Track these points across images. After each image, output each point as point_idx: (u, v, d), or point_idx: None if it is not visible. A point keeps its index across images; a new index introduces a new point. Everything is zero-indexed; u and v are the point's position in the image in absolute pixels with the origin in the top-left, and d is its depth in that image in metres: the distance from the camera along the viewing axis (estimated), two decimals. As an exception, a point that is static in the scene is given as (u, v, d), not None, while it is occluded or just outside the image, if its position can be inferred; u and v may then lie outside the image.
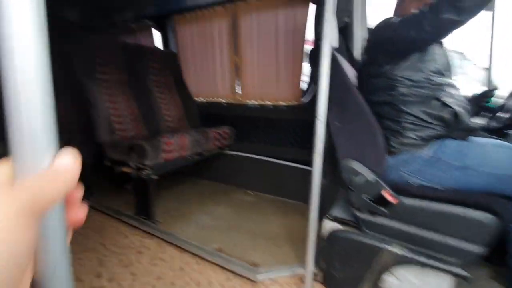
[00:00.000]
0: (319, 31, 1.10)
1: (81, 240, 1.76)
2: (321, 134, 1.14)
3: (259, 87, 2.47)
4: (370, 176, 1.16)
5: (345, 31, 1.77)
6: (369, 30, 1.28)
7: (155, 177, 1.87)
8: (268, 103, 2.45)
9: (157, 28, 2.96)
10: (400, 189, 1.14)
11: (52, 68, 0.20)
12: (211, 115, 2.81)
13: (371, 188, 1.16)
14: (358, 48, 1.76)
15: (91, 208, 2.17)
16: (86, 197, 0.26)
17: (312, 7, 2.07)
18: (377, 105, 1.20)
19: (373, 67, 1.20)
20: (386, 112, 1.19)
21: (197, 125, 2.79)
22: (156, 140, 1.78)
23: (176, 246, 1.68)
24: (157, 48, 2.71)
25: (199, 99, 2.89)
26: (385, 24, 1.17)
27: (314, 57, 1.34)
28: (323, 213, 1.29)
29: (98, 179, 2.39)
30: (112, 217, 2.05)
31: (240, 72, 2.53)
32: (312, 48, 1.59)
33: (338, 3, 1.82)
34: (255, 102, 2.53)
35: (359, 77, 1.33)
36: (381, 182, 1.14)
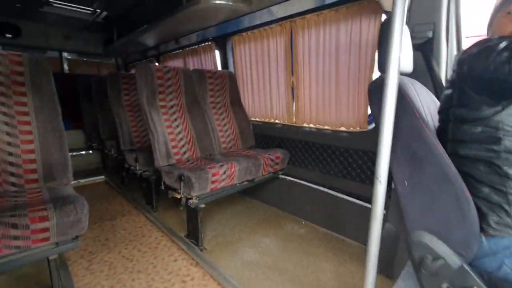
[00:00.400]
0: (383, 50, 0.84)
1: (138, 257, 1.89)
2: (381, 198, 0.88)
3: (317, 110, 2.24)
4: (454, 261, 0.84)
5: (426, 48, 1.41)
6: (457, 57, 0.91)
7: (202, 205, 1.87)
8: (327, 128, 2.19)
9: (218, 48, 3.04)
10: (498, 286, 0.79)
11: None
12: (265, 136, 2.72)
13: (455, 278, 0.83)
14: (443, 70, 1.37)
15: (153, 223, 2.34)
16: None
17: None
18: (468, 162, 0.86)
19: (465, 109, 0.87)
20: (482, 174, 0.84)
21: (251, 146, 2.73)
22: (204, 172, 1.77)
23: (219, 282, 1.63)
24: (216, 70, 2.77)
25: (255, 119, 2.83)
26: (481, 51, 0.82)
27: (375, 88, 1.03)
28: (386, 266, 0.99)
29: (160, 196, 2.57)
30: (167, 235, 2.15)
31: (296, 93, 2.35)
32: (376, 79, 1.20)
33: (417, 13, 1.48)
34: (312, 126, 2.30)
35: (442, 119, 0.98)
36: (472, 273, 0.81)
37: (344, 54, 1.93)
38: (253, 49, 2.63)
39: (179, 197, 1.89)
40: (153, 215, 2.47)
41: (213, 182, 1.83)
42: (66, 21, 4.00)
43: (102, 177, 3.64)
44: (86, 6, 3.45)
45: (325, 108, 2.18)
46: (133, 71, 5.14)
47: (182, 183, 1.79)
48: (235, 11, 2.45)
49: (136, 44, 3.73)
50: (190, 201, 1.81)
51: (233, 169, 1.94)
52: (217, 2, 2.26)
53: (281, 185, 2.51)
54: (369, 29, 1.77)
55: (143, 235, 2.17)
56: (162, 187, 2.05)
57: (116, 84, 2.94)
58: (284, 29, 2.28)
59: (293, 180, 2.44)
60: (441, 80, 1.42)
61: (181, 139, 2.26)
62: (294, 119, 2.45)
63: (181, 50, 3.63)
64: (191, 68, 3.57)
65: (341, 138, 2.08)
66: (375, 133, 0.89)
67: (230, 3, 2.32)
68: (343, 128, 2.09)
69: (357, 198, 1.98)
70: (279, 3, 2.20)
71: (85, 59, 4.98)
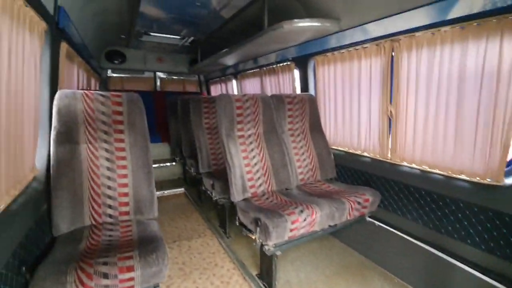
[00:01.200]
0: None
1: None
2: None
3: (423, 148, 1.79)
4: None
5: None
6: None
7: (278, 253, 1.70)
8: (438, 172, 1.72)
9: (298, 68, 2.84)
10: None
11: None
12: (349, 169, 2.38)
13: None
14: None
15: (225, 251, 2.31)
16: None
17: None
18: None
19: None
20: None
21: (332, 179, 2.43)
22: (282, 220, 1.59)
23: None
24: (295, 94, 2.58)
25: (337, 148, 2.52)
26: None
27: None
28: None
29: (233, 223, 2.54)
30: (238, 270, 2.07)
31: (394, 124, 1.95)
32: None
33: None
34: (415, 167, 1.86)
35: None
36: None
37: (472, 83, 1.46)
38: (340, 70, 2.33)
39: (253, 238, 1.77)
40: (226, 241, 2.45)
41: (291, 230, 1.64)
42: (159, 47, 4.51)
43: (182, 189, 3.91)
44: (176, 35, 3.77)
45: (436, 147, 1.72)
46: (213, 88, 5.46)
47: (258, 228, 1.66)
48: (321, 31, 2.22)
49: (217, 63, 3.89)
50: (266, 247, 1.66)
51: (314, 216, 1.71)
52: (301, 25, 2.07)
53: (368, 229, 2.14)
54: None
55: (216, 263, 2.15)
56: (237, 223, 1.98)
57: (198, 108, 3.08)
58: (381, 49, 1.92)
59: (383, 227, 2.04)
60: None
61: (257, 171, 2.15)
62: (389, 155, 2.04)
63: (258, 69, 3.58)
64: (268, 87, 3.49)
65: (459, 189, 1.60)
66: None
67: (315, 24, 2.10)
68: (463, 176, 1.60)
69: (482, 272, 1.48)
70: (376, 20, 1.86)
71: (173, 77, 5.55)
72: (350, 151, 2.40)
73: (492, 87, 1.39)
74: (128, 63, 4.82)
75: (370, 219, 2.10)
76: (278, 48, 2.94)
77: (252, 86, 3.88)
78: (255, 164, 2.16)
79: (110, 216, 1.68)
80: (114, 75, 4.99)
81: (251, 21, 2.95)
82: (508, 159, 1.43)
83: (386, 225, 2.04)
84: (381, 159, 2.10)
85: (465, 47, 1.46)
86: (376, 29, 1.88)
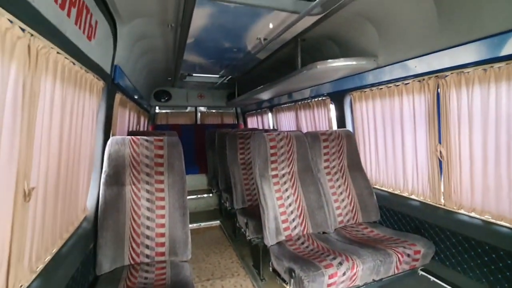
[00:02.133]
0: None
1: None
2: None
3: (485, 195, 1.56)
4: None
5: None
6: None
7: None
8: (505, 224, 1.47)
9: (334, 104, 2.79)
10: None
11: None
12: (395, 212, 2.16)
13: None
14: None
15: None
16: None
17: None
18: None
19: None
20: None
21: (376, 222, 2.22)
22: (319, 274, 1.46)
23: None
24: (331, 130, 2.51)
25: (380, 187, 2.33)
26: None
27: None
28: None
29: (267, 265, 2.43)
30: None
31: (446, 166, 1.75)
32: None
33: None
34: (475, 216, 1.61)
35: None
36: None
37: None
38: (379, 106, 2.23)
39: None
40: (260, 284, 2.33)
41: (329, 285, 1.49)
42: (200, 85, 4.88)
43: (218, 222, 3.92)
44: (216, 74, 4.05)
45: (500, 194, 1.48)
46: (249, 121, 5.63)
47: (292, 280, 1.55)
48: (356, 68, 2.18)
49: (252, 98, 4.03)
50: None
51: (355, 270, 1.54)
52: (335, 64, 2.06)
53: (422, 285, 1.85)
54: None
55: (249, 312, 2.04)
56: (270, 268, 1.88)
57: (234, 143, 3.16)
58: (425, 86, 1.80)
59: (440, 284, 1.76)
60: None
61: (292, 212, 2.07)
62: (442, 200, 1.82)
63: (293, 103, 3.61)
64: (303, 120, 3.47)
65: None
66: None
67: (350, 63, 2.08)
68: (541, 233, 1.33)
69: None
70: (418, 56, 1.76)
71: (212, 110, 5.90)
72: (396, 192, 2.20)
73: None
74: (173, 100, 5.28)
75: (424, 273, 1.83)
76: (312, 85, 2.95)
77: (287, 119, 3.91)
78: (290, 204, 2.09)
79: (147, 256, 1.73)
80: (161, 111, 5.50)
81: (286, 60, 3.05)
82: None
83: (443, 282, 1.75)
84: (433, 204, 1.87)
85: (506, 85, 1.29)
86: (418, 65, 1.78)
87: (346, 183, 2.32)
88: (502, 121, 1.42)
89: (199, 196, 4.43)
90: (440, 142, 1.76)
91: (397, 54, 1.91)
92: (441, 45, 1.61)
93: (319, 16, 1.93)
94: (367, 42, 2.11)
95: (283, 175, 2.16)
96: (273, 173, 2.13)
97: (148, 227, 1.76)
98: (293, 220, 2.06)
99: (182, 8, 1.71)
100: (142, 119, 4.27)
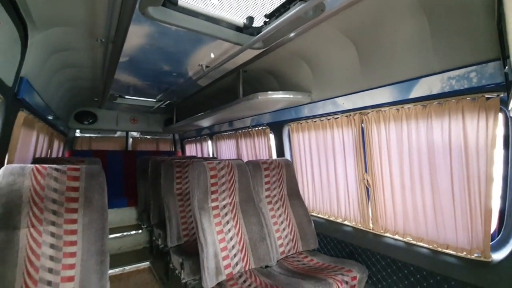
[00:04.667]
0: None
1: None
2: None
3: (405, 219, 1.75)
4: None
5: None
6: None
7: None
8: (423, 245, 1.65)
9: (273, 133, 2.89)
10: None
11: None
12: (331, 238, 2.24)
13: None
14: None
15: None
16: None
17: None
18: None
19: None
20: None
21: (315, 250, 2.26)
22: None
23: None
24: (271, 159, 2.56)
25: (317, 215, 2.41)
26: None
27: None
28: None
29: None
30: None
31: (372, 193, 1.92)
32: None
33: None
34: (399, 238, 1.78)
35: None
36: None
37: (443, 157, 1.51)
38: (314, 137, 2.39)
39: None
40: None
41: None
42: (133, 108, 4.48)
43: (147, 263, 3.41)
44: (152, 98, 3.80)
45: (417, 219, 1.68)
46: (188, 148, 5.37)
47: None
48: (293, 101, 2.32)
49: (192, 125, 3.87)
50: None
51: None
52: (274, 96, 2.16)
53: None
54: (478, 131, 1.36)
55: None
56: None
57: (170, 172, 2.90)
58: (352, 121, 2.01)
59: (375, 308, 1.84)
60: None
61: (233, 247, 1.92)
62: (371, 225, 1.97)
63: (234, 132, 3.61)
64: (244, 149, 3.47)
65: (448, 265, 1.51)
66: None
67: (288, 96, 2.20)
68: (449, 251, 1.53)
69: None
70: (345, 95, 1.99)
71: (147, 136, 5.42)
72: (331, 218, 2.31)
73: (462, 161, 1.44)
74: (99, 123, 4.67)
75: None
76: (253, 114, 3.02)
77: (227, 147, 3.86)
78: (231, 238, 1.95)
79: None
80: (83, 135, 4.77)
81: (227, 88, 3.07)
82: (492, 231, 1.41)
83: None
84: (364, 229, 2.01)
85: (429, 123, 1.55)
86: (345, 102, 2.00)
87: (286, 211, 2.32)
88: (413, 154, 1.66)
89: (125, 233, 3.83)
90: (366, 171, 1.95)
91: (328, 91, 2.12)
92: (363, 86, 1.86)
93: (260, 51, 2.02)
94: (302, 79, 2.29)
95: (224, 206, 2.04)
96: (213, 204, 1.98)
97: (49, 283, 1.36)
98: (235, 255, 1.91)
99: (115, 22, 1.55)
100: (56, 144, 3.60)
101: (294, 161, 2.62)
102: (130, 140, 5.21)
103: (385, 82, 1.71)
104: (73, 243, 1.46)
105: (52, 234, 1.44)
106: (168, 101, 3.93)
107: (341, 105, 2.02)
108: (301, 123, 2.49)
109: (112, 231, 3.75)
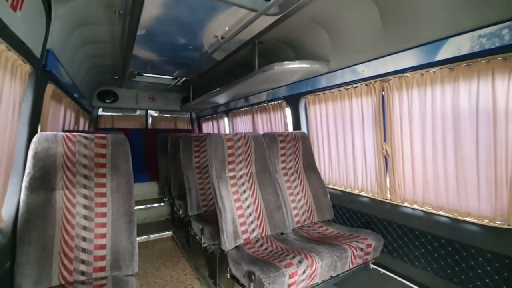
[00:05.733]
0: None
1: None
2: None
3: (425, 188, 1.71)
4: None
5: None
6: None
7: None
8: (443, 214, 1.63)
9: (289, 107, 2.86)
10: None
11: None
12: (347, 209, 2.25)
13: None
14: None
15: None
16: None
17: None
18: None
19: None
20: None
21: (331, 221, 2.29)
22: (279, 274, 1.41)
23: None
24: (287, 132, 2.55)
25: (333, 187, 2.42)
26: None
27: None
28: None
29: (224, 273, 2.30)
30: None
31: (391, 163, 1.89)
32: None
33: None
34: (417, 208, 1.76)
35: None
36: None
37: (469, 123, 1.44)
38: (331, 109, 2.34)
39: None
40: None
41: (290, 285, 1.45)
42: (152, 86, 4.57)
43: (170, 232, 3.63)
44: (169, 75, 3.84)
45: (437, 188, 1.64)
46: (204, 126, 5.46)
47: (252, 284, 1.46)
48: (311, 72, 2.26)
49: (208, 102, 3.91)
50: None
51: (314, 267, 1.53)
52: (291, 66, 2.11)
53: (373, 278, 1.94)
54: (509, 94, 1.28)
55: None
56: (228, 275, 1.77)
57: (188, 146, 2.99)
58: (372, 89, 1.94)
59: (389, 275, 1.86)
60: None
61: (250, 214, 2.00)
62: (388, 195, 1.95)
63: (250, 107, 3.61)
64: (260, 124, 3.47)
65: (469, 233, 1.48)
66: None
67: (305, 66, 2.15)
68: (470, 219, 1.50)
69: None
70: (365, 61, 1.90)
71: (165, 115, 5.56)
72: (347, 190, 2.31)
73: (490, 126, 1.36)
74: (120, 102, 4.83)
75: (374, 266, 1.92)
76: (269, 88, 2.98)
77: (243, 123, 3.88)
78: (248, 206, 2.02)
79: (83, 273, 1.46)
80: (105, 113, 4.96)
81: (243, 62, 3.03)
82: None
83: (392, 273, 1.87)
84: (381, 199, 2.00)
85: (456, 87, 1.47)
86: (365, 70, 1.92)
87: (302, 183, 2.35)
88: (437, 121, 1.60)
89: (149, 206, 4.07)
90: (385, 141, 1.91)
91: (347, 59, 2.04)
92: (385, 51, 1.77)
93: (276, 18, 1.96)
94: (320, 47, 2.21)
95: (241, 176, 2.09)
96: (231, 174, 2.04)
97: (84, 239, 1.50)
98: (252, 222, 1.99)
99: None
100: (82, 121, 3.78)
101: (311, 134, 2.60)
102: (150, 118, 5.36)
103: (409, 45, 1.62)
104: (103, 205, 1.58)
105: (85, 196, 1.56)
106: (185, 78, 3.96)
107: (361, 73, 1.95)
108: (318, 95, 2.44)
109: (137, 203, 3.99)
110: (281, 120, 3.02)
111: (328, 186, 2.45)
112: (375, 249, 1.81)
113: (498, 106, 1.32)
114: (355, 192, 2.23)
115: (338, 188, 2.40)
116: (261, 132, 3.55)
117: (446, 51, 1.45)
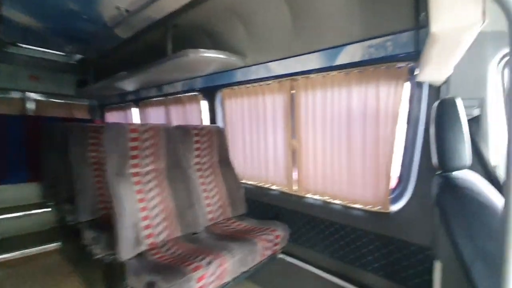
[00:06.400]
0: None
1: None
2: None
3: (324, 180, 1.90)
4: None
5: (472, 127, 1.14)
6: None
7: None
8: (338, 202, 1.83)
9: (206, 100, 2.73)
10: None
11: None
12: (259, 203, 2.31)
13: None
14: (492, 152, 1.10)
15: None
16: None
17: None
18: None
19: None
20: None
21: (243, 214, 2.30)
22: (185, 280, 1.29)
23: None
24: (203, 125, 2.43)
25: (246, 182, 2.44)
26: None
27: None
28: None
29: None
30: None
31: (298, 157, 2.02)
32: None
33: (459, 87, 1.25)
34: (318, 198, 1.94)
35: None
36: None
37: (358, 122, 1.66)
38: (246, 104, 2.34)
39: None
40: None
41: (200, 287, 1.35)
42: (34, 62, 3.60)
43: (57, 244, 2.97)
44: (58, 50, 3.11)
45: (334, 179, 1.84)
46: (109, 116, 4.71)
47: None
48: (227, 64, 2.20)
49: (113, 88, 3.36)
50: None
51: (224, 265, 1.48)
52: (207, 55, 1.99)
53: (281, 266, 2.05)
54: (388, 98, 1.52)
55: None
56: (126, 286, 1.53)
57: (83, 139, 2.49)
58: (283, 87, 2.02)
59: (294, 263, 2.00)
60: (491, 165, 1.15)
61: (157, 215, 1.79)
62: (295, 188, 2.08)
63: (163, 98, 3.29)
64: (174, 117, 3.21)
65: (357, 218, 1.72)
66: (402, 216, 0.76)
67: (222, 57, 2.07)
68: (358, 206, 1.74)
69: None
70: (278, 60, 1.97)
71: (56, 100, 4.49)
72: (260, 184, 2.36)
73: (374, 125, 1.60)
74: None
75: (281, 256, 2.03)
76: (184, 77, 2.78)
77: (156, 115, 3.51)
78: (155, 206, 1.81)
79: None
80: None
81: (156, 47, 2.71)
82: (392, 187, 1.64)
83: (297, 259, 2.01)
84: (288, 192, 2.12)
85: (350, 90, 1.66)
86: (277, 68, 1.99)
87: (217, 179, 2.27)
88: (335, 119, 1.78)
89: (27, 212, 3.22)
90: (294, 137, 2.03)
91: (262, 55, 2.07)
92: (295, 52, 1.86)
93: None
94: (237, 40, 2.17)
95: (147, 173, 1.85)
96: (134, 170, 1.78)
97: None
98: (158, 224, 1.79)
99: None
100: None
101: (226, 129, 2.56)
102: (32, 103, 4.23)
103: (314, 48, 1.74)
104: None
105: None
106: (81, 57, 3.29)
107: (273, 70, 2.01)
108: (234, 89, 2.40)
109: (10, 210, 3.11)
110: (196, 113, 2.86)
111: (242, 181, 2.45)
112: (282, 239, 1.90)
113: (381, 109, 1.55)
114: (267, 185, 2.31)
115: (251, 183, 2.44)
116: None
117: (343, 57, 1.62)
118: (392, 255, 1.57)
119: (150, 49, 2.81)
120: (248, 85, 2.28)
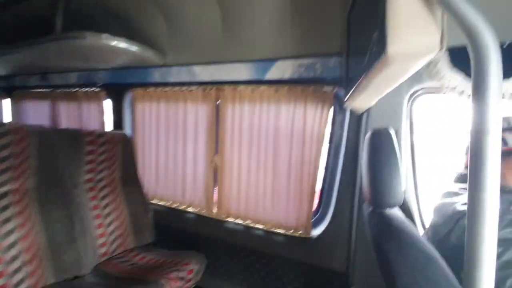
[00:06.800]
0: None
1: None
2: None
3: (247, 203, 1.73)
4: None
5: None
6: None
7: None
8: (259, 227, 1.69)
9: (111, 99, 2.21)
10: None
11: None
12: (173, 228, 1.96)
13: None
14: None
15: None
16: None
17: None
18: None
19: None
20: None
21: (150, 244, 1.89)
22: None
23: None
24: (102, 131, 1.92)
25: (159, 203, 2.05)
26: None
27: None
28: None
29: None
30: None
31: (220, 176, 1.80)
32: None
33: (373, 118, 1.30)
34: (240, 222, 1.75)
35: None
36: None
37: (285, 142, 1.57)
38: (164, 110, 1.99)
39: None
40: None
41: None
42: None
43: None
44: None
45: (258, 201, 1.69)
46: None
47: None
48: (141, 59, 1.82)
49: None
50: None
51: None
52: (113, 44, 1.58)
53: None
54: (314, 119, 1.49)
55: None
56: None
57: None
58: (208, 95, 1.79)
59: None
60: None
61: (16, 257, 1.23)
62: (214, 210, 1.84)
63: (50, 90, 2.54)
64: (64, 116, 2.51)
65: (278, 244, 1.61)
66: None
67: (134, 49, 1.69)
68: (280, 230, 1.63)
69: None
70: (204, 64, 1.73)
71: None
72: (174, 206, 2.01)
73: (300, 146, 1.53)
74: None
75: None
76: (81, 67, 2.19)
77: (38, 112, 2.68)
78: (12, 246, 1.24)
79: None
80: None
81: (40, 17, 2.04)
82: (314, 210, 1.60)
83: None
84: (207, 215, 1.86)
85: (278, 107, 1.57)
86: (203, 73, 1.75)
87: (117, 200, 1.80)
88: (262, 136, 1.65)
89: None
90: (217, 153, 1.80)
91: (185, 56, 1.79)
92: (223, 58, 1.67)
93: None
94: (156, 34, 1.82)
95: (3, 196, 1.27)
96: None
97: None
98: (16, 271, 1.23)
99: None
100: None
101: (136, 137, 2.12)
102: None
103: (245, 57, 1.60)
104: None
105: None
106: None
107: (197, 75, 1.76)
108: (149, 91, 2.01)
109: None
110: (96, 115, 2.29)
111: (153, 201, 2.05)
112: (196, 273, 1.61)
113: (307, 130, 1.51)
114: (182, 207, 1.98)
115: (163, 204, 2.06)
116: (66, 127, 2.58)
117: (274, 72, 1.52)
118: (312, 283, 1.51)
119: (33, 20, 2.11)
120: (167, 88, 1.94)
